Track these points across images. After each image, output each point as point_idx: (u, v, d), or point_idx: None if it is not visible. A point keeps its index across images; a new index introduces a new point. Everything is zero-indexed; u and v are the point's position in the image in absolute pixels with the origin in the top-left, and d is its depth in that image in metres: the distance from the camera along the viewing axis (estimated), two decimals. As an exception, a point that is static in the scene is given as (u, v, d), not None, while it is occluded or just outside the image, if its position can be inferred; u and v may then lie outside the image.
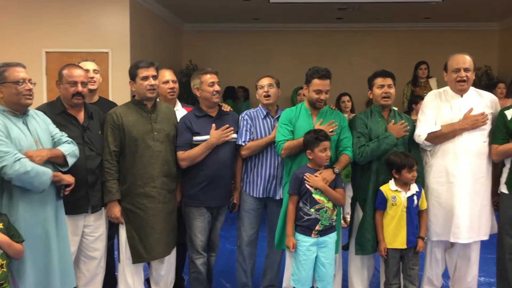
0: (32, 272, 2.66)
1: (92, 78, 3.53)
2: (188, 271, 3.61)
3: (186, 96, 8.32)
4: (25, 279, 2.63)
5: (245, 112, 3.64)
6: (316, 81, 3.32)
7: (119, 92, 6.67)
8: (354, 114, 5.03)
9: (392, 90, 3.41)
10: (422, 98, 6.16)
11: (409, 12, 8.66)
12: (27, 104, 2.74)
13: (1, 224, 2.52)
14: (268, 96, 3.57)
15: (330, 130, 3.29)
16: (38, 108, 3.05)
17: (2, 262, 2.49)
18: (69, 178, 2.84)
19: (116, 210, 3.19)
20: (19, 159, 2.54)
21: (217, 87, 3.44)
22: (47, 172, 2.66)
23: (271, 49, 10.19)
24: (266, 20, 9.67)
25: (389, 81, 3.40)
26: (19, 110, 2.74)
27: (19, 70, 2.72)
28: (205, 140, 3.37)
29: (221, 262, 4.29)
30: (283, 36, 10.16)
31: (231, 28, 10.15)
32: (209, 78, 3.44)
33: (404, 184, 3.26)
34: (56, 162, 2.80)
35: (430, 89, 6.44)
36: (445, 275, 3.66)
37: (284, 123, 3.40)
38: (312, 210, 3.13)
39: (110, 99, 4.32)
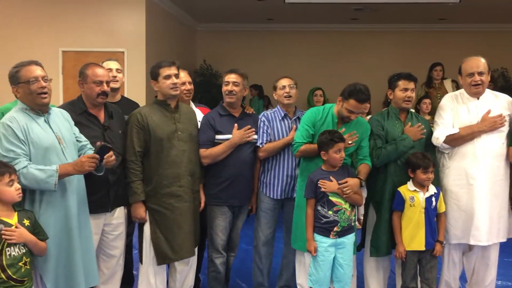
0: (56, 269, 2.69)
1: (115, 77, 3.59)
2: (204, 271, 3.63)
3: (201, 96, 8.37)
4: (49, 276, 2.66)
5: (262, 113, 3.65)
6: (353, 102, 3.17)
7: (135, 91, 6.73)
8: (370, 116, 5.01)
9: (414, 94, 3.39)
10: (426, 97, 6.15)
11: (424, 13, 8.62)
12: (43, 103, 2.70)
13: (28, 221, 2.53)
14: (290, 96, 3.57)
15: (349, 142, 3.22)
16: (60, 108, 3.05)
17: (26, 260, 2.50)
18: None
19: (142, 211, 3.21)
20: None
21: (230, 88, 3.47)
22: (49, 179, 2.56)
23: (285, 49, 10.18)
24: (280, 21, 9.67)
25: (412, 85, 3.37)
26: (39, 109, 2.73)
27: (31, 69, 2.68)
28: (227, 139, 3.40)
29: (236, 262, 4.29)
30: (297, 37, 10.15)
31: (246, 28, 10.16)
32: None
33: (421, 185, 3.25)
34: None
35: (445, 91, 6.39)
36: (462, 278, 3.65)
37: (307, 124, 3.34)
38: (330, 212, 3.12)
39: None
